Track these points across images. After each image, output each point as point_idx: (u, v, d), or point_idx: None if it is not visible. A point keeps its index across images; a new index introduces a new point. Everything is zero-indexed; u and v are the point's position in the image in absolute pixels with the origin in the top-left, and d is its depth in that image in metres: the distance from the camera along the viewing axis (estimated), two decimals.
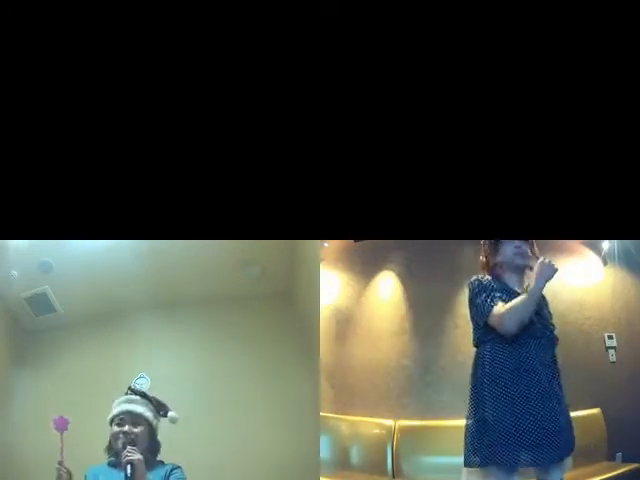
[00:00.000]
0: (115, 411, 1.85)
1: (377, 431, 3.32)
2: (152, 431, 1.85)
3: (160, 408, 1.90)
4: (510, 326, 1.76)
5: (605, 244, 3.42)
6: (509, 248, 1.91)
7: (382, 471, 3.19)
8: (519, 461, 1.68)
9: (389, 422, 3.30)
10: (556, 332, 1.89)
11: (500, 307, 1.80)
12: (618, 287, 3.45)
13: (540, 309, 1.85)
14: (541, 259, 1.83)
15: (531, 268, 1.89)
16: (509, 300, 1.81)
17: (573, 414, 3.14)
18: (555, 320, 3.31)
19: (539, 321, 1.82)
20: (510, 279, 1.92)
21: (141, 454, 1.67)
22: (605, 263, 3.46)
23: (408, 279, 3.61)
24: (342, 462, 3.29)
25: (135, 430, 1.78)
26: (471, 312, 1.91)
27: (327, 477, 2.84)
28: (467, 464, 1.80)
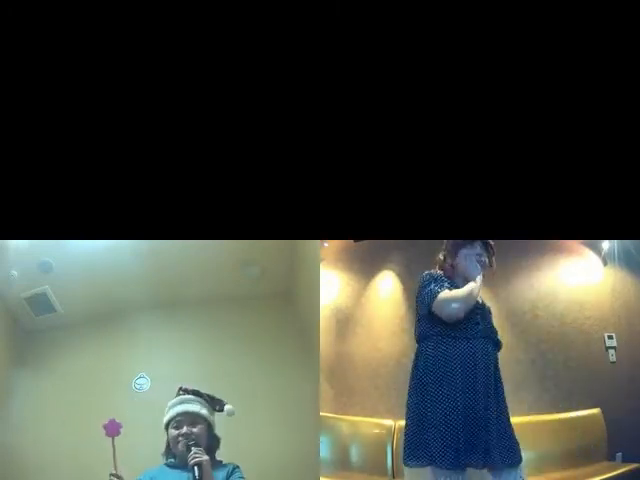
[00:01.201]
0: (171, 413, 1.81)
1: (377, 431, 3.32)
2: (210, 428, 1.82)
3: (215, 403, 1.87)
4: (456, 308, 1.77)
5: (605, 244, 3.41)
6: (470, 251, 1.89)
7: (382, 471, 3.19)
8: (460, 462, 1.66)
9: (389, 422, 3.30)
10: (499, 337, 1.89)
11: (446, 292, 1.80)
12: (618, 287, 3.44)
13: (483, 312, 1.86)
14: (468, 261, 1.87)
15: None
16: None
17: (573, 414, 3.17)
18: (555, 320, 3.35)
19: (483, 322, 1.82)
20: (460, 283, 1.88)
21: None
22: (605, 263, 3.45)
23: (408, 279, 3.60)
24: (342, 462, 3.29)
25: (194, 430, 1.75)
26: (416, 304, 1.90)
27: (327, 477, 2.84)
28: (405, 464, 1.76)
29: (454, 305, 1.77)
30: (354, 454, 3.32)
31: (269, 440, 2.68)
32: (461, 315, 1.76)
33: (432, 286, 1.83)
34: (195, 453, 1.63)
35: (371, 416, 3.43)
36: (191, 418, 1.78)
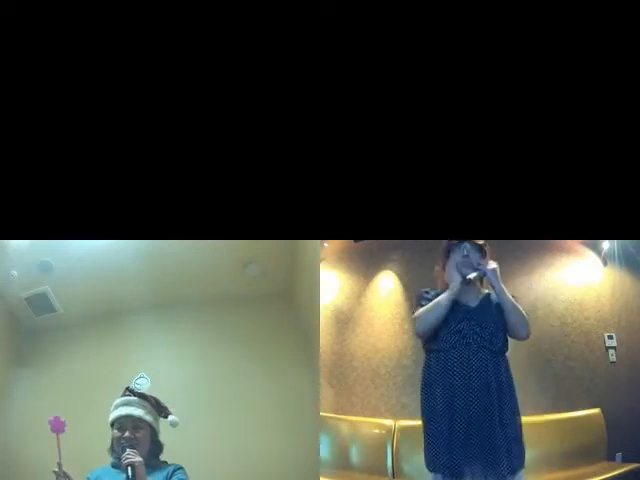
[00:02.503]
0: (115, 414, 1.81)
1: (377, 431, 3.31)
2: (153, 433, 1.83)
3: (160, 410, 1.88)
4: (418, 327, 1.85)
5: (605, 244, 3.41)
6: (457, 257, 1.87)
7: (382, 471, 3.19)
8: (454, 472, 1.69)
9: (389, 422, 3.30)
10: (498, 344, 1.81)
11: (417, 312, 1.87)
12: (618, 287, 3.44)
13: (470, 317, 1.82)
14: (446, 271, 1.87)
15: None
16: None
17: (573, 414, 3.17)
18: (555, 320, 3.35)
19: (470, 328, 1.79)
20: (461, 289, 1.84)
21: (143, 457, 1.67)
22: (605, 263, 3.45)
23: (408, 279, 3.61)
24: (342, 462, 3.29)
25: (137, 435, 1.75)
26: None
27: (327, 477, 2.84)
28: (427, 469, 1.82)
29: (417, 325, 1.86)
30: (354, 454, 3.32)
31: (269, 440, 2.68)
32: (420, 334, 1.85)
33: (413, 308, 1.92)
34: (128, 454, 1.65)
35: (371, 416, 3.43)
36: (134, 422, 1.78)
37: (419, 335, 1.87)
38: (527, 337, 1.84)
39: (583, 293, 3.42)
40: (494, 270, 1.82)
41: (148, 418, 1.82)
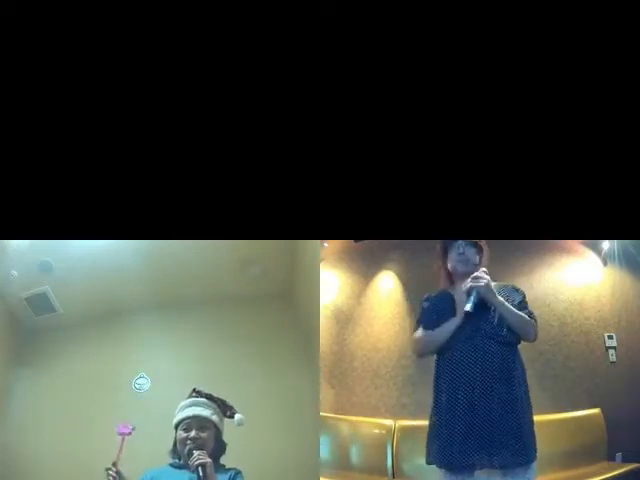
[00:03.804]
0: (182, 415, 1.80)
1: (377, 431, 3.32)
2: (218, 434, 1.81)
3: (226, 410, 1.86)
4: (419, 349, 1.89)
5: (605, 244, 3.41)
6: (453, 255, 1.86)
7: (382, 471, 3.19)
8: (462, 463, 1.69)
9: (389, 422, 3.30)
10: (505, 333, 1.78)
11: (417, 333, 1.87)
12: (618, 287, 3.44)
13: (481, 313, 1.78)
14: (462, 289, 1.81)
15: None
16: (438, 320, 1.82)
17: (573, 414, 3.17)
18: (555, 320, 3.36)
19: (471, 324, 1.77)
20: (460, 288, 1.82)
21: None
22: (605, 263, 3.46)
23: (408, 279, 3.61)
24: (342, 462, 3.29)
25: (202, 435, 1.74)
26: None
27: (327, 477, 2.84)
28: (426, 462, 1.83)
29: (416, 348, 1.89)
30: (354, 454, 3.32)
31: (269, 440, 2.68)
32: (419, 355, 1.90)
33: (416, 321, 1.91)
34: (199, 454, 1.64)
35: (371, 416, 3.43)
36: (201, 422, 1.77)
37: (418, 355, 1.91)
38: (535, 339, 1.83)
39: (583, 293, 3.43)
40: (487, 286, 1.77)
41: (214, 418, 1.81)
